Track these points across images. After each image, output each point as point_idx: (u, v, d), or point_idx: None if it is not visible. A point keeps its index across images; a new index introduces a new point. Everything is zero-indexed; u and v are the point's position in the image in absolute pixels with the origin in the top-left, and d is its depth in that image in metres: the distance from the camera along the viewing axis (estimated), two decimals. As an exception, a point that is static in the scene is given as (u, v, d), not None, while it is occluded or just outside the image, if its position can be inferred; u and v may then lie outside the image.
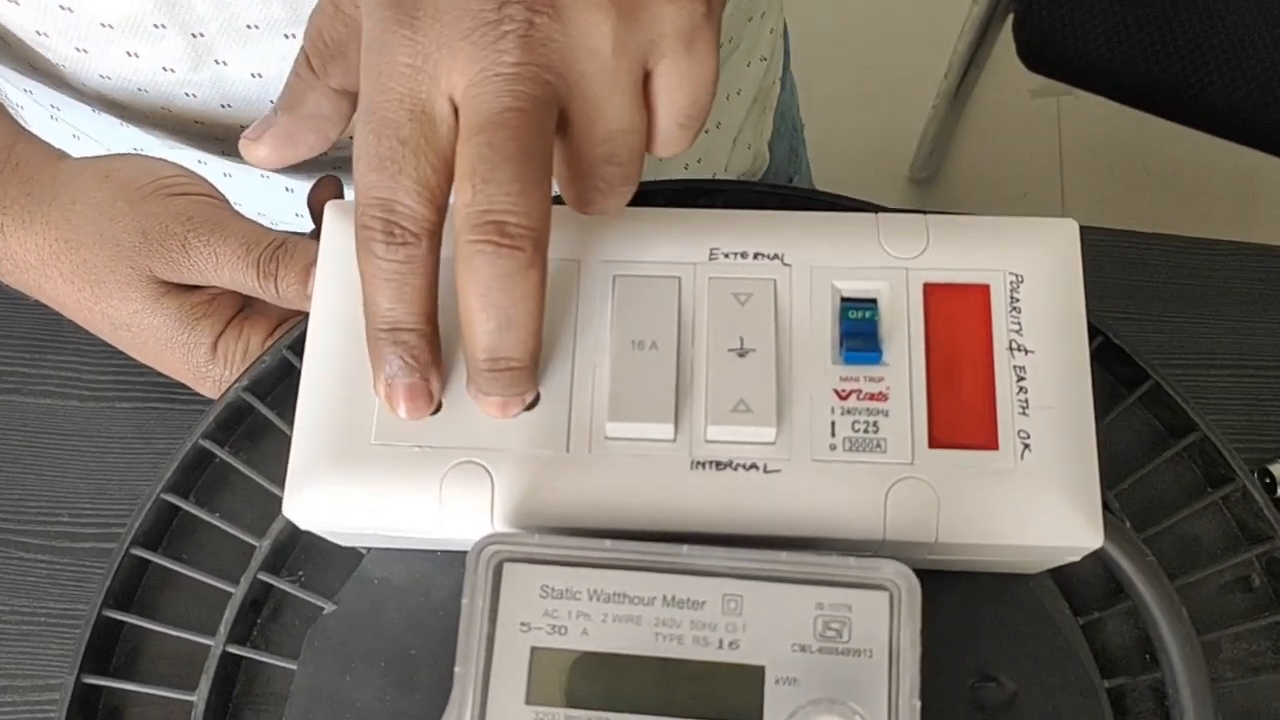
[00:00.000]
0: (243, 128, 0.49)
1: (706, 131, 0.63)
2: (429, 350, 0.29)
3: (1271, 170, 1.04)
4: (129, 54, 0.44)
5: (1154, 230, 0.60)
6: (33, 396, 0.57)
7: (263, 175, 0.54)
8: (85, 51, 0.44)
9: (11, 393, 0.57)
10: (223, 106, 0.47)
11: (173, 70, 0.45)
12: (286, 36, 0.43)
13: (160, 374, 0.56)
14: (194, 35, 0.43)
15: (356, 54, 0.29)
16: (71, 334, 0.58)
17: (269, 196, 0.54)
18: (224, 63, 0.45)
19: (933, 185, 1.42)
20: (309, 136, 0.33)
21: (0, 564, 0.54)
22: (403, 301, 0.29)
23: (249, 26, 0.43)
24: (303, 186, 0.56)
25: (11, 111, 0.61)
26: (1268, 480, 0.54)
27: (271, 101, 0.46)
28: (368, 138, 0.28)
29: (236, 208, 0.54)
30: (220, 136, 0.51)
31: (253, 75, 0.45)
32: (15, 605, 0.54)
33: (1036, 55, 1.02)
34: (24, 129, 0.43)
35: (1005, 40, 1.04)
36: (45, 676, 0.53)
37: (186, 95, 0.47)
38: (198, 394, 0.56)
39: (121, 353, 0.57)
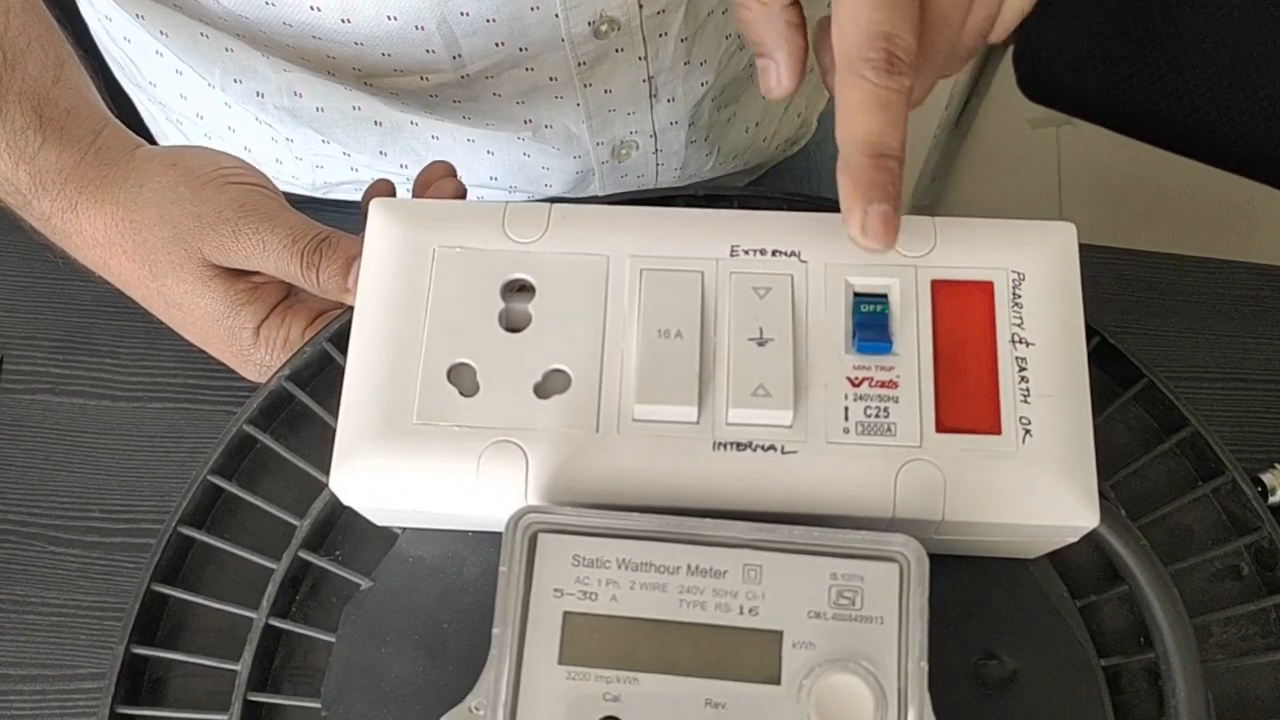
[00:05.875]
0: (355, 69, 0.52)
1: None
2: (901, 179, 0.33)
3: (1266, 199, 1.06)
4: None
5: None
6: (66, 396, 0.59)
7: (354, 107, 0.58)
8: None
9: (45, 393, 0.59)
10: (342, 21, 0.50)
11: None
12: None
13: (190, 376, 0.59)
14: None
15: None
16: (105, 337, 0.60)
17: (358, 134, 0.59)
18: None
19: (934, 212, 1.44)
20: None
21: (33, 558, 0.56)
22: (892, 127, 0.32)
23: None
24: (392, 116, 0.59)
25: (118, 74, 0.65)
26: (1260, 489, 0.56)
27: (390, 18, 0.49)
28: None
29: (325, 143, 0.58)
30: (329, 69, 0.54)
31: None
32: (46, 598, 0.55)
33: (1036, 86, 1.04)
34: (112, 117, 0.46)
35: (1005, 71, 1.07)
36: (74, 667, 0.54)
37: (311, 8, 0.49)
38: (226, 395, 0.59)
39: (153, 355, 0.59)
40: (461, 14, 0.50)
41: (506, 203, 0.35)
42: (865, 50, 0.32)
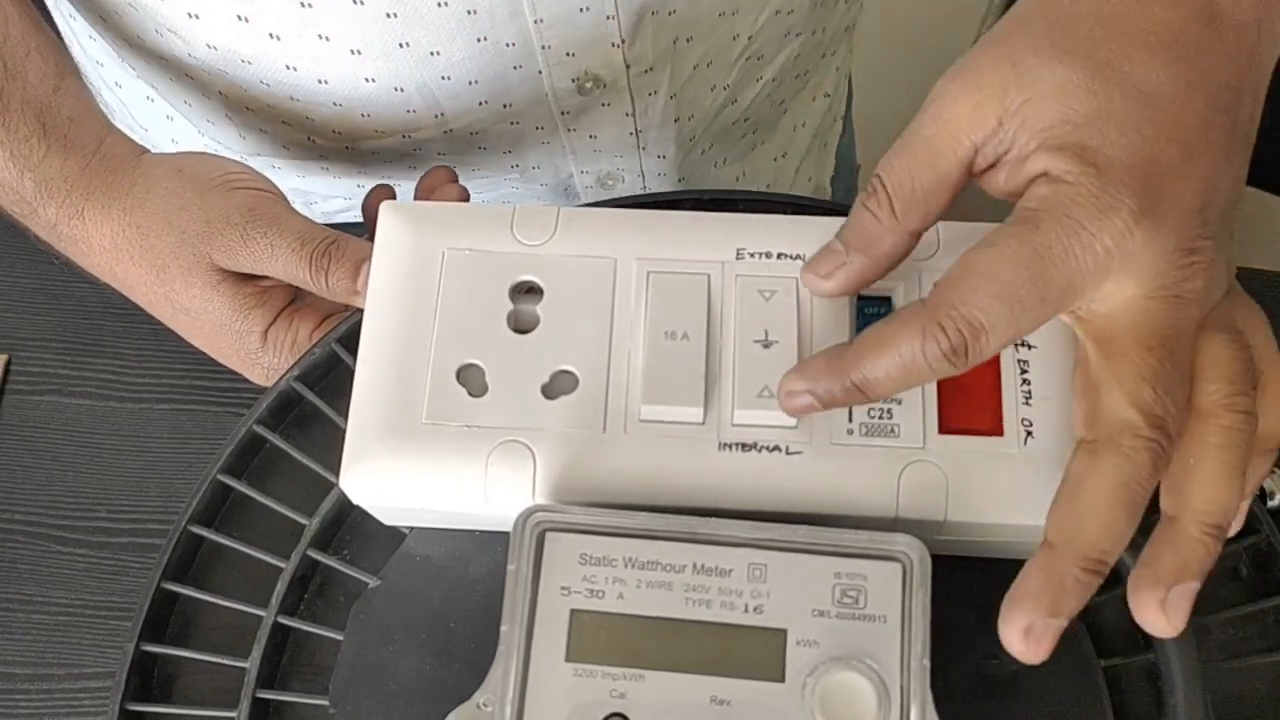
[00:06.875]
0: (335, 132, 0.52)
1: (775, 160, 0.67)
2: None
3: (1267, 203, 1.07)
4: (239, 18, 0.46)
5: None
6: (74, 398, 0.59)
7: (334, 178, 0.58)
8: (197, 17, 0.47)
9: (54, 394, 0.59)
10: (320, 82, 0.50)
11: (279, 38, 0.47)
12: (388, 16, 0.46)
13: (197, 378, 0.59)
14: (301, 4, 0.45)
15: (937, 205, 0.31)
16: (112, 339, 0.60)
17: (343, 189, 0.59)
18: (326, 38, 0.47)
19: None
20: (876, 274, 0.32)
21: (39, 557, 0.56)
22: (1123, 531, 0.28)
23: (353, 1, 0.45)
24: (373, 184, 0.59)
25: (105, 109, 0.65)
26: (1259, 493, 0.56)
27: (368, 80, 0.48)
28: (1148, 361, 0.28)
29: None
30: (309, 132, 0.53)
31: (352, 52, 0.48)
32: (53, 597, 0.56)
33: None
34: (114, 126, 0.46)
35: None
36: (81, 666, 0.55)
37: (287, 68, 0.49)
38: (233, 397, 0.59)
39: (160, 356, 0.60)
40: (443, 78, 0.49)
41: (515, 205, 0.35)
42: (1144, 428, 0.27)
